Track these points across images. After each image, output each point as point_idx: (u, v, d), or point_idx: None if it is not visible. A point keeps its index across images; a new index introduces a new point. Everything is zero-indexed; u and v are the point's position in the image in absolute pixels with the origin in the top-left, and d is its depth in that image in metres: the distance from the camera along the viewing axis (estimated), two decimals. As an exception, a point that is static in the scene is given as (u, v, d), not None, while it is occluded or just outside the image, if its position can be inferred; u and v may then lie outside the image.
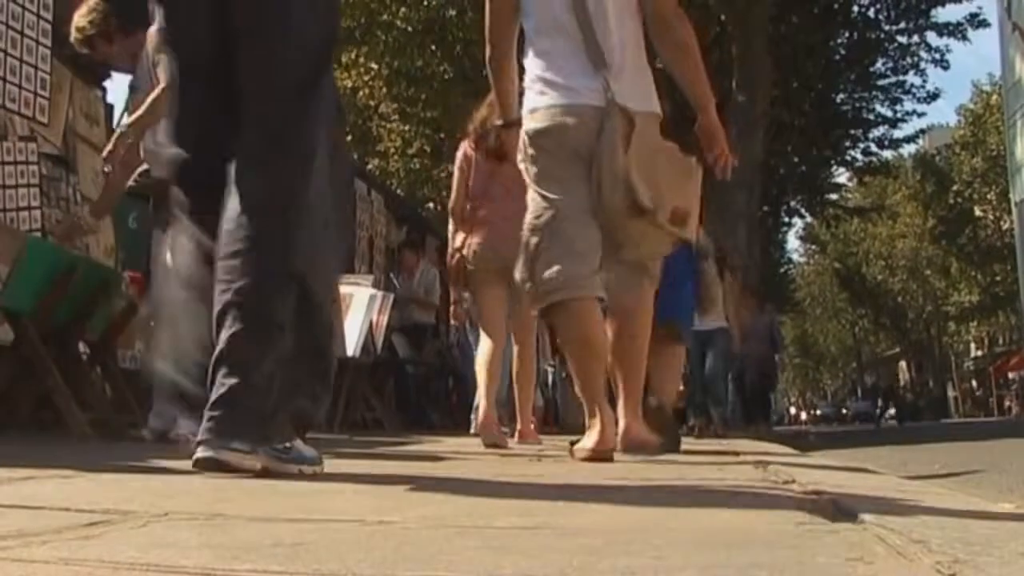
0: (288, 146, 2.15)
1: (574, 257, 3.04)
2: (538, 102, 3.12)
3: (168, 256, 2.66)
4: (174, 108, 2.35)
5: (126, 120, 3.92)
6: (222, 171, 2.13)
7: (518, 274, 3.21)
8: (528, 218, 3.16)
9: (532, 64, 3.17)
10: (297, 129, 2.16)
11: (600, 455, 2.97)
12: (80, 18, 4.02)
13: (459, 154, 5.06)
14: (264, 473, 2.09)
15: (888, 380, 38.45)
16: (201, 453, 2.08)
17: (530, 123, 3.13)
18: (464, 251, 4.84)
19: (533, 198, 3.15)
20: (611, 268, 3.16)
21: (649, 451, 3.19)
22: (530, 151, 3.14)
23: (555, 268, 3.03)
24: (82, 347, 4.97)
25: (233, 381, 2.06)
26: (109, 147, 3.92)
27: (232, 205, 2.11)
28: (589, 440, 3.06)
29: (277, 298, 2.11)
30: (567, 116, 3.05)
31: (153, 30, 3.84)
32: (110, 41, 4.01)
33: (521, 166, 3.22)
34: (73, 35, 4.12)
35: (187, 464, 2.17)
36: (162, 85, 3.78)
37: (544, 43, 3.15)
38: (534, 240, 3.10)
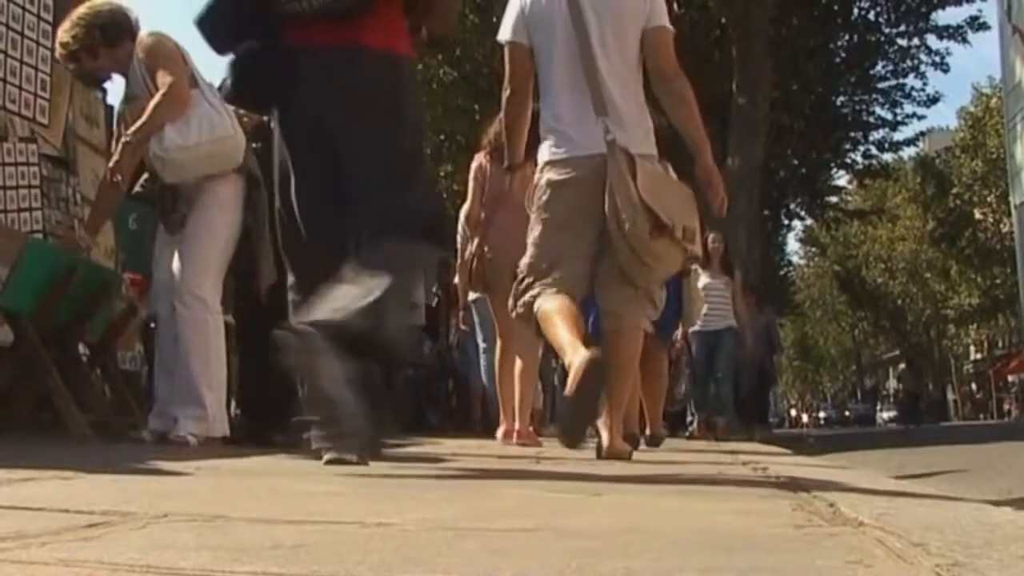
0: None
1: (561, 264, 3.38)
2: (552, 155, 3.45)
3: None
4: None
5: (131, 129, 3.88)
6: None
7: (509, 305, 3.53)
8: (526, 256, 3.49)
9: (546, 115, 3.51)
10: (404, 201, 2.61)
11: (583, 376, 2.92)
12: (64, 33, 3.98)
13: (474, 165, 5.48)
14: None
15: (913, 382, 38.33)
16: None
17: (546, 174, 3.47)
18: (481, 256, 5.21)
19: (534, 240, 3.47)
20: (621, 296, 3.47)
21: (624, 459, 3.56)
22: (543, 198, 3.46)
23: (530, 293, 3.39)
24: (82, 348, 4.97)
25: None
26: (115, 157, 3.89)
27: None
28: (571, 379, 3.01)
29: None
30: (577, 169, 3.40)
31: (143, 35, 3.88)
32: (95, 55, 3.97)
33: (533, 213, 3.52)
34: (58, 51, 4.10)
35: (187, 465, 2.17)
36: (162, 91, 3.78)
37: (557, 94, 3.48)
38: (527, 280, 3.43)
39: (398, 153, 2.66)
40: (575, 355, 2.96)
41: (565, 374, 3.06)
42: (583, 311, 3.48)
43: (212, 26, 2.70)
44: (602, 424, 3.59)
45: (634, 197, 3.27)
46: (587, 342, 3.10)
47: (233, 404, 4.59)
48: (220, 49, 2.73)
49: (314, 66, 2.61)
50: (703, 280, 8.26)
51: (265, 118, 4.20)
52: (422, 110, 2.99)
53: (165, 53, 3.90)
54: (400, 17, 2.72)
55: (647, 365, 5.75)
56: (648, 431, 6.21)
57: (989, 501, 2.69)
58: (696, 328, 8.08)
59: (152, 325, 4.68)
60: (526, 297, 3.40)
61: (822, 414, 60.34)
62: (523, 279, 3.45)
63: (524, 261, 3.48)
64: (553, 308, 3.27)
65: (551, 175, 3.45)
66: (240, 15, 2.66)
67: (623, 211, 3.28)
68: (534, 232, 3.49)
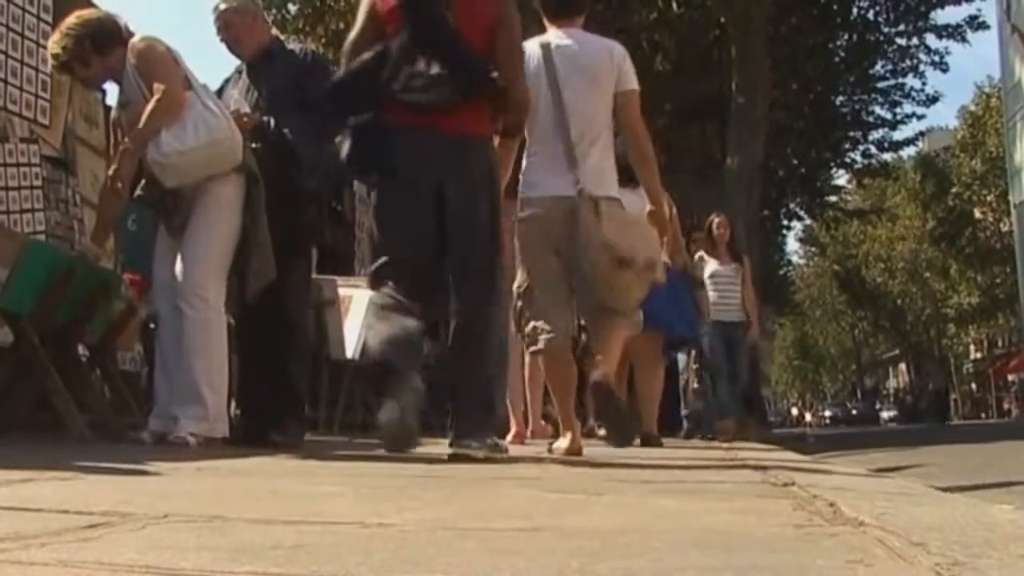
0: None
1: (545, 317, 3.99)
2: (527, 196, 4.04)
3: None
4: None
5: (129, 136, 3.86)
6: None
7: (512, 326, 4.17)
8: (515, 283, 4.11)
9: (528, 161, 4.09)
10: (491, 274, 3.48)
11: (572, 453, 3.88)
12: (54, 45, 3.96)
13: None
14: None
15: (942, 382, 38.02)
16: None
17: (521, 212, 4.04)
18: None
19: (519, 265, 4.10)
20: (598, 314, 4.08)
21: (611, 445, 4.19)
22: (519, 232, 4.07)
23: (531, 325, 4.01)
24: (81, 349, 4.97)
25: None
26: (115, 165, 3.87)
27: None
28: (563, 443, 4.00)
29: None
30: (548, 207, 3.96)
31: (135, 40, 3.88)
32: (87, 64, 3.95)
33: (515, 241, 4.12)
34: (49, 63, 4.09)
35: (186, 466, 2.17)
36: (156, 97, 3.77)
37: (537, 147, 4.06)
38: (519, 304, 4.08)
39: (483, 209, 3.43)
40: (565, 431, 4.03)
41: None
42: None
43: (335, 101, 3.55)
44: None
45: (598, 237, 3.86)
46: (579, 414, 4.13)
47: (232, 404, 4.59)
48: (336, 119, 3.55)
49: (423, 143, 3.35)
50: (710, 268, 7.93)
51: (265, 118, 4.21)
52: (498, 172, 3.71)
53: (157, 57, 3.89)
54: (484, 107, 3.46)
55: (645, 368, 6.25)
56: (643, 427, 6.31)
57: (989, 500, 2.69)
58: (709, 318, 7.71)
59: (152, 326, 4.67)
60: (527, 327, 4.03)
61: (827, 413, 59.76)
62: (517, 301, 4.08)
63: (515, 285, 4.10)
64: (553, 360, 4.05)
65: (522, 213, 4.04)
66: (357, 96, 3.42)
67: (591, 249, 3.88)
68: (517, 259, 4.13)
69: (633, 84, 4.10)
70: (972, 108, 41.24)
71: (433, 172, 3.38)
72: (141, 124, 3.76)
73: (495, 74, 3.39)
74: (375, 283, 3.45)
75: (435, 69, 3.32)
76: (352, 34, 3.57)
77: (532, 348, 4.08)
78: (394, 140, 3.36)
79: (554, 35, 4.13)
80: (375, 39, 3.42)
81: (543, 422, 5.96)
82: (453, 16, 3.39)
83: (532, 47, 4.02)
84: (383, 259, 3.43)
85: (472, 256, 3.44)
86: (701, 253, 7.98)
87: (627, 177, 4.28)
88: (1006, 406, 47.49)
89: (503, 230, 3.81)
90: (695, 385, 8.52)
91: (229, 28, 4.39)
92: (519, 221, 4.05)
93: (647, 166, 4.21)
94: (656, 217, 4.24)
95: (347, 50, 3.54)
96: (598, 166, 4.00)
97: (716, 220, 8.21)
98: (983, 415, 47.73)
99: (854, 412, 53.96)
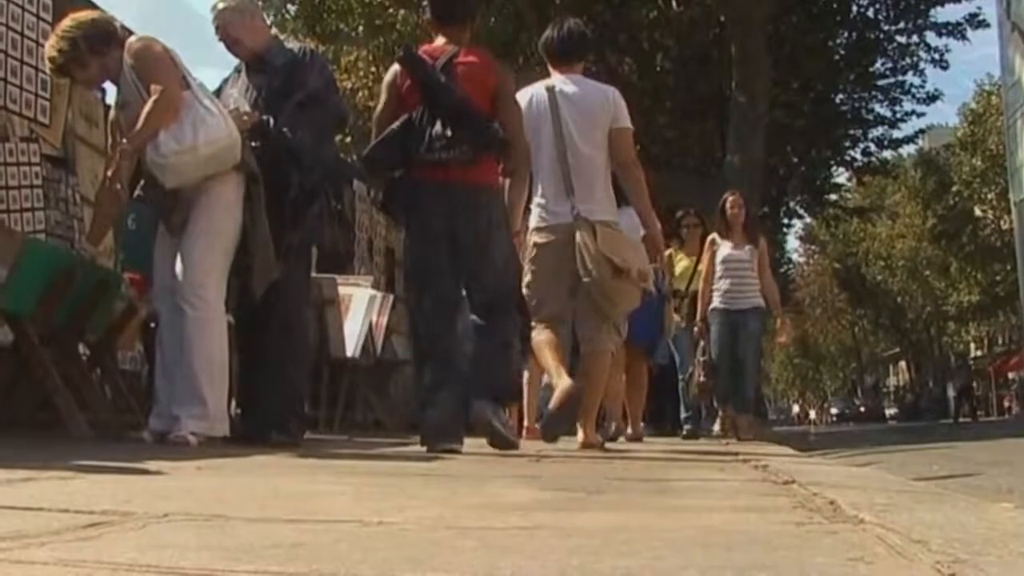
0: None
1: (546, 305, 4.46)
2: (539, 223, 4.56)
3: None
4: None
5: (128, 136, 3.86)
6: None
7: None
8: (524, 285, 4.51)
9: (535, 195, 4.59)
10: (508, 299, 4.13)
11: (566, 393, 4.08)
12: (51, 48, 3.95)
13: None
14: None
15: (964, 379, 38.07)
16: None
17: (532, 237, 4.56)
18: None
19: (527, 284, 4.47)
20: (594, 326, 4.57)
21: (597, 449, 4.63)
22: (532, 252, 4.55)
23: (537, 313, 4.42)
24: (82, 348, 4.97)
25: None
26: (114, 166, 3.87)
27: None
28: (554, 398, 4.19)
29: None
30: (553, 233, 4.50)
31: (132, 40, 3.90)
32: (84, 66, 3.94)
33: (525, 263, 4.53)
34: (47, 66, 4.09)
35: (187, 465, 2.17)
36: (153, 97, 3.76)
37: (544, 178, 4.54)
38: (533, 303, 4.46)
39: (497, 251, 4.06)
40: (559, 380, 4.18)
41: (550, 390, 4.29)
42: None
43: (372, 164, 4.20)
44: (579, 424, 4.57)
45: (595, 251, 4.36)
46: (569, 371, 4.29)
47: (233, 404, 4.59)
48: (375, 176, 4.23)
49: (442, 194, 3.97)
50: (724, 251, 7.30)
51: (264, 117, 4.22)
52: (508, 214, 4.28)
53: (154, 57, 3.88)
54: (495, 160, 4.11)
55: (630, 375, 6.85)
56: (630, 430, 6.99)
57: (989, 499, 2.69)
58: (716, 305, 7.24)
59: (152, 325, 4.67)
60: (536, 319, 4.36)
61: (833, 410, 58.97)
62: (532, 300, 4.39)
63: (524, 286, 4.41)
64: (543, 340, 4.38)
65: (535, 238, 4.54)
66: (390, 158, 4.04)
67: (589, 262, 4.36)
68: (526, 278, 4.48)
69: (626, 123, 4.57)
70: (973, 106, 41.16)
71: (452, 217, 4.00)
72: (139, 125, 3.76)
73: (500, 130, 4.00)
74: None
75: (452, 131, 3.94)
76: (378, 107, 4.22)
77: (538, 329, 4.41)
78: (420, 192, 4.00)
79: (558, 79, 4.60)
80: (398, 110, 4.04)
81: (537, 425, 5.99)
82: (460, 86, 4.00)
83: (538, 90, 4.52)
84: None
85: (490, 290, 4.05)
86: (714, 236, 7.41)
87: (619, 197, 4.68)
88: (1006, 404, 47.41)
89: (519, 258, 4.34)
90: (701, 379, 7.94)
91: (228, 28, 4.39)
92: (536, 244, 4.52)
93: (641, 193, 4.64)
94: (650, 240, 4.74)
95: (375, 120, 4.17)
96: (596, 196, 4.48)
97: (729, 199, 7.39)
98: (982, 412, 47.64)
99: (862, 409, 53.54)
